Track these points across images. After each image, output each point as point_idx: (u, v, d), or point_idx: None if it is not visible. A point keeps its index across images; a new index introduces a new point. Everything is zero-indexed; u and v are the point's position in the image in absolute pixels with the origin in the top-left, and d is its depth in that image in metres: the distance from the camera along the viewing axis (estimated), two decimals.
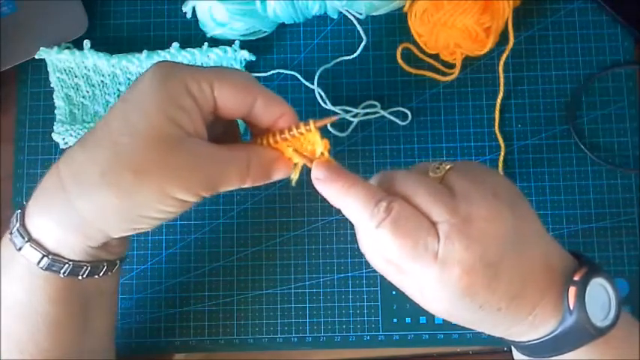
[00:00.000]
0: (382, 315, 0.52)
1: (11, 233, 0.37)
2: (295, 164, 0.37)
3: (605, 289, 0.36)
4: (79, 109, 0.55)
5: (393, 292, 0.52)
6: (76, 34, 0.55)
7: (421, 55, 0.55)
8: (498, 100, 0.54)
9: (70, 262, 0.37)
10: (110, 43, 0.56)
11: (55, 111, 0.54)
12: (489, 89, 0.55)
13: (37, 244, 0.37)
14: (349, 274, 0.53)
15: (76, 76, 0.54)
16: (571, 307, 0.34)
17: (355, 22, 0.54)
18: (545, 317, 0.35)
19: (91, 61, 0.54)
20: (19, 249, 0.37)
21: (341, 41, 0.56)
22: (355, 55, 0.55)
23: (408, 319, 0.52)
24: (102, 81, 0.55)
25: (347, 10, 0.54)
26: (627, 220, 0.52)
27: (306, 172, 0.37)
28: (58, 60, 0.54)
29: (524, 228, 0.35)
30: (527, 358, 0.39)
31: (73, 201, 0.35)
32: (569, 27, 0.55)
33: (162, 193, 0.34)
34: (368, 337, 0.52)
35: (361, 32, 0.54)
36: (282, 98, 0.37)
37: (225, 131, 0.39)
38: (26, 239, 0.37)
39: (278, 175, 0.37)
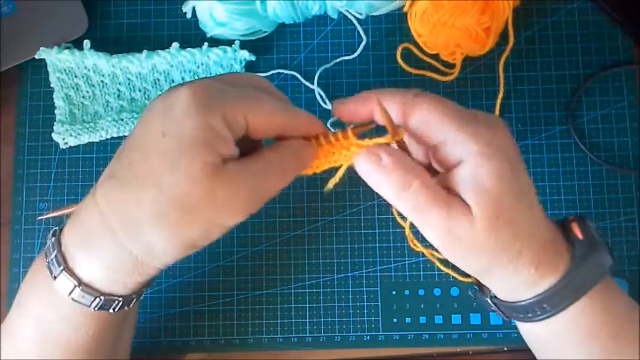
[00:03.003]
0: (382, 315, 0.52)
1: (55, 277, 0.36)
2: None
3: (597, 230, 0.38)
4: (79, 109, 0.55)
5: (393, 292, 0.52)
6: (76, 34, 0.55)
7: (421, 55, 0.55)
8: (498, 100, 0.54)
9: (121, 299, 0.37)
10: (110, 43, 0.56)
11: (55, 111, 0.54)
12: (489, 89, 0.55)
13: (89, 288, 0.36)
14: (349, 274, 0.53)
15: (76, 76, 0.54)
16: (580, 237, 0.37)
17: (355, 22, 0.54)
18: (549, 268, 0.36)
19: (91, 61, 0.54)
20: (70, 293, 0.36)
21: (341, 41, 0.56)
22: (355, 55, 0.55)
23: (408, 319, 0.52)
24: (102, 81, 0.55)
25: (347, 10, 0.54)
26: (627, 220, 0.52)
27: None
28: (58, 60, 0.54)
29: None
30: (537, 335, 0.40)
31: (126, 246, 0.34)
32: (569, 27, 0.55)
33: (213, 224, 0.34)
34: (368, 337, 0.52)
35: (361, 32, 0.54)
36: (313, 116, 0.37)
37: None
38: (76, 283, 0.36)
39: (310, 161, 0.37)
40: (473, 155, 0.34)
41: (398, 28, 0.56)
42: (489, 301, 0.41)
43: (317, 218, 0.53)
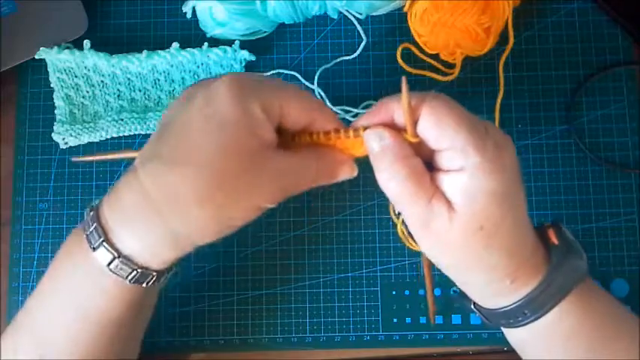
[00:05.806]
0: (382, 315, 0.52)
1: (95, 249, 0.38)
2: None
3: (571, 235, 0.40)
4: (79, 109, 0.55)
5: (393, 292, 0.52)
6: (76, 34, 0.55)
7: (421, 55, 0.55)
8: (498, 100, 0.54)
9: (156, 273, 0.39)
10: (110, 43, 0.56)
11: (55, 111, 0.54)
12: (489, 89, 0.55)
13: (128, 260, 0.38)
14: (349, 274, 0.53)
15: (76, 76, 0.54)
16: (556, 242, 0.38)
17: (355, 22, 0.54)
18: (525, 280, 0.38)
19: (91, 61, 0.54)
20: (108, 264, 0.38)
21: (341, 41, 0.56)
22: (355, 55, 0.55)
23: (408, 319, 0.52)
24: (102, 81, 0.55)
25: (347, 10, 0.54)
26: (627, 220, 0.52)
27: None
28: (58, 60, 0.54)
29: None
30: (521, 339, 0.41)
31: (170, 223, 0.36)
32: (569, 27, 0.55)
33: (252, 206, 0.37)
34: (368, 337, 0.52)
35: (361, 32, 0.54)
36: (335, 115, 0.39)
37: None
38: (116, 255, 0.37)
39: (343, 177, 0.40)
40: (474, 167, 0.35)
41: (398, 28, 0.56)
42: (472, 307, 0.42)
43: (317, 218, 0.53)
